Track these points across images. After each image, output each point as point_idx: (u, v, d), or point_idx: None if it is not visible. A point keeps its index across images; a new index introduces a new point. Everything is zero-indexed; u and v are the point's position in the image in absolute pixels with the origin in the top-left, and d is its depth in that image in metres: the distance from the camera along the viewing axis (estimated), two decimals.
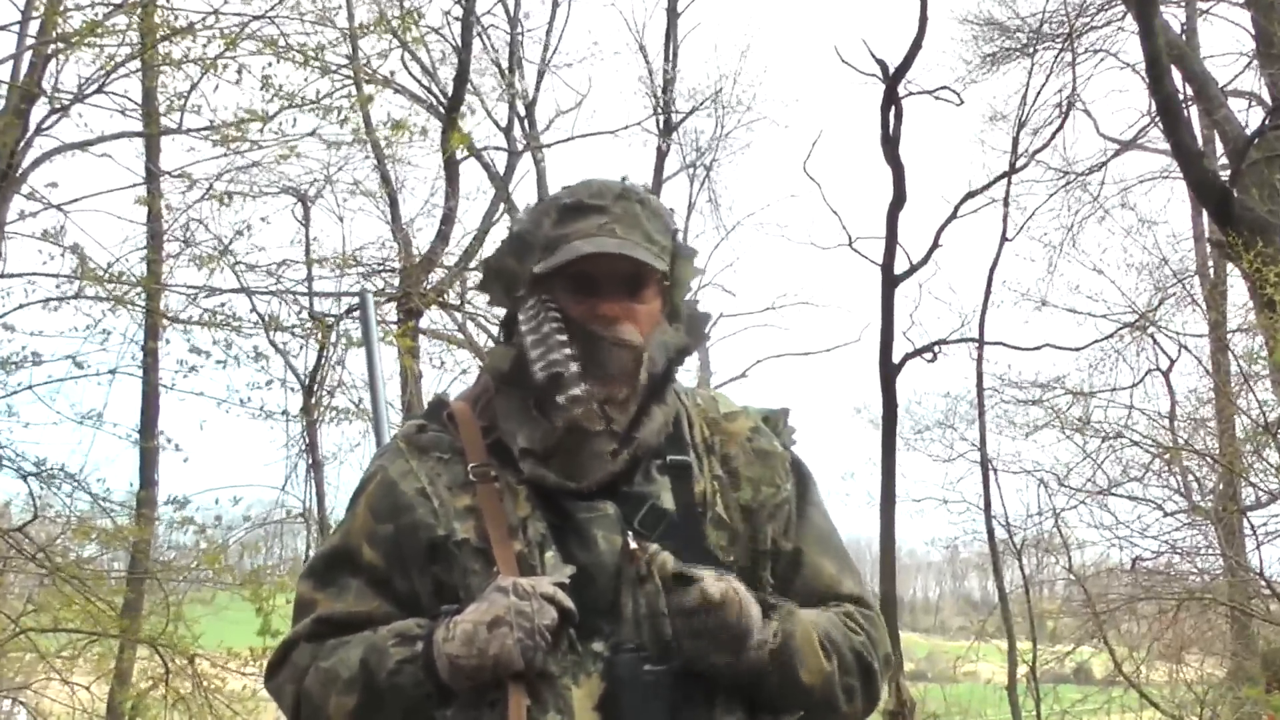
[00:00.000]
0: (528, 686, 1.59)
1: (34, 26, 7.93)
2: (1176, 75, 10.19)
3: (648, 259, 1.68)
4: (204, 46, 7.59)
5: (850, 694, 1.72)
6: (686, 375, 1.86)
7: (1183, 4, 12.40)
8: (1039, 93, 13.73)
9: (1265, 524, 9.79)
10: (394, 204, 11.72)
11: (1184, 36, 11.62)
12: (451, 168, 11.45)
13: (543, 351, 1.67)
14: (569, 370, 1.65)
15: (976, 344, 13.31)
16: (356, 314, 9.87)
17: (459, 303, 11.06)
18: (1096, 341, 13.07)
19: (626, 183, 1.77)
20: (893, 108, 11.99)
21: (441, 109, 11.56)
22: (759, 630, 1.62)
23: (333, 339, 9.80)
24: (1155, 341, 12.38)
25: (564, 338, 1.67)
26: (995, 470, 12.89)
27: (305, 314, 9.77)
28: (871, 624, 1.77)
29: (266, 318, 9.01)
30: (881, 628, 1.79)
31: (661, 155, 15.28)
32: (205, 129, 8.16)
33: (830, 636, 1.70)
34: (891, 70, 11.91)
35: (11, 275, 7.89)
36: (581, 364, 1.66)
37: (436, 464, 1.75)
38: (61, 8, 7.47)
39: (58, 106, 8.03)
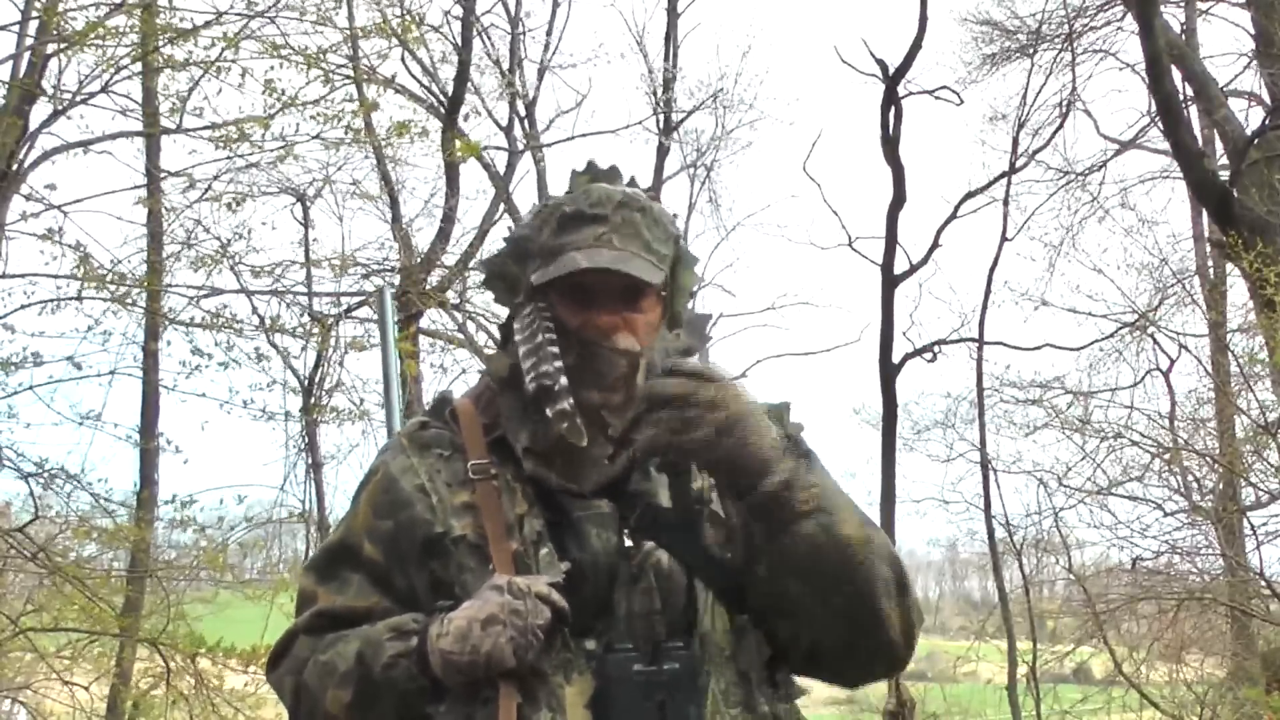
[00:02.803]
0: (520, 684, 1.59)
1: (34, 26, 7.93)
2: (1176, 75, 10.19)
3: (643, 273, 1.68)
4: (206, 50, 7.60)
5: (888, 591, 1.60)
6: None
7: (1183, 4, 12.39)
8: (1039, 93, 13.78)
9: (1265, 524, 9.80)
10: (394, 204, 11.73)
11: (1184, 36, 11.62)
12: (452, 168, 11.47)
13: (534, 363, 1.68)
14: (558, 384, 1.65)
15: (976, 344, 13.33)
16: (356, 314, 9.90)
17: (459, 302, 11.06)
18: (1096, 341, 13.09)
19: (629, 189, 1.76)
20: (893, 108, 12.00)
21: (442, 109, 11.57)
22: (768, 438, 1.55)
23: (332, 340, 9.82)
24: (1155, 341, 12.38)
25: (555, 349, 1.67)
26: (995, 470, 12.91)
27: (305, 315, 9.79)
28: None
29: (267, 319, 9.03)
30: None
31: (662, 155, 15.28)
32: (205, 128, 8.18)
33: (867, 519, 1.63)
34: (891, 70, 11.93)
35: (12, 276, 7.90)
36: (578, 371, 1.66)
37: (437, 460, 1.75)
38: (61, 8, 7.47)
39: (58, 107, 8.04)
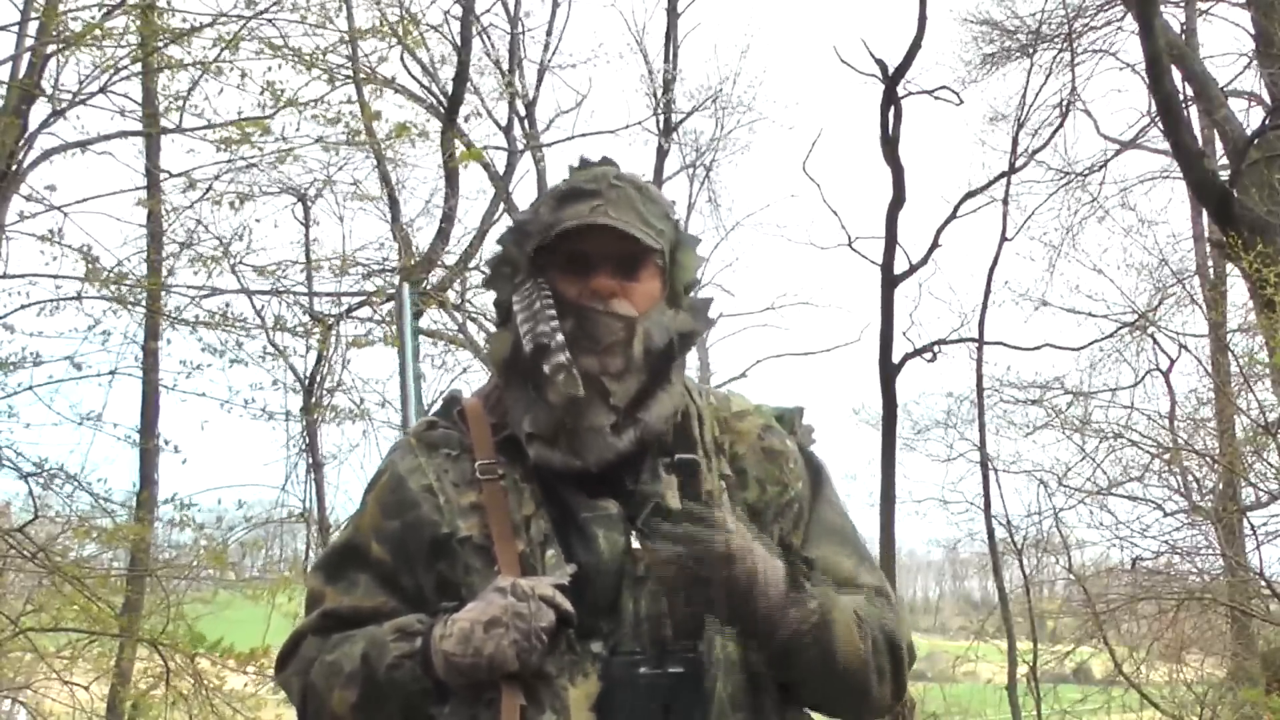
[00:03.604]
0: (524, 686, 1.59)
1: (34, 27, 7.92)
2: (1176, 75, 10.18)
3: (637, 234, 1.69)
4: (205, 51, 7.60)
5: (881, 676, 1.70)
6: (688, 373, 1.86)
7: (1183, 4, 12.39)
8: (1039, 93, 13.76)
9: (1265, 524, 9.79)
10: (394, 204, 11.71)
11: (1184, 36, 11.61)
12: (451, 169, 11.44)
13: (531, 325, 1.69)
14: (554, 340, 1.66)
15: (976, 344, 13.32)
16: (357, 314, 9.90)
17: (459, 303, 11.05)
18: (1096, 341, 13.08)
19: (624, 171, 1.78)
20: (892, 108, 11.99)
21: (441, 109, 11.56)
22: (777, 592, 1.59)
23: (333, 339, 9.82)
24: (1155, 341, 12.38)
25: (553, 312, 1.69)
26: (995, 470, 12.90)
27: (306, 314, 9.79)
28: (894, 611, 1.76)
29: (271, 319, 9.03)
30: (904, 617, 1.79)
31: (661, 155, 15.28)
32: (205, 128, 8.17)
33: (860, 614, 1.69)
34: (891, 70, 11.91)
35: (13, 276, 7.89)
36: (574, 337, 1.67)
37: (445, 460, 1.76)
38: (61, 8, 7.47)
39: (57, 108, 8.03)
